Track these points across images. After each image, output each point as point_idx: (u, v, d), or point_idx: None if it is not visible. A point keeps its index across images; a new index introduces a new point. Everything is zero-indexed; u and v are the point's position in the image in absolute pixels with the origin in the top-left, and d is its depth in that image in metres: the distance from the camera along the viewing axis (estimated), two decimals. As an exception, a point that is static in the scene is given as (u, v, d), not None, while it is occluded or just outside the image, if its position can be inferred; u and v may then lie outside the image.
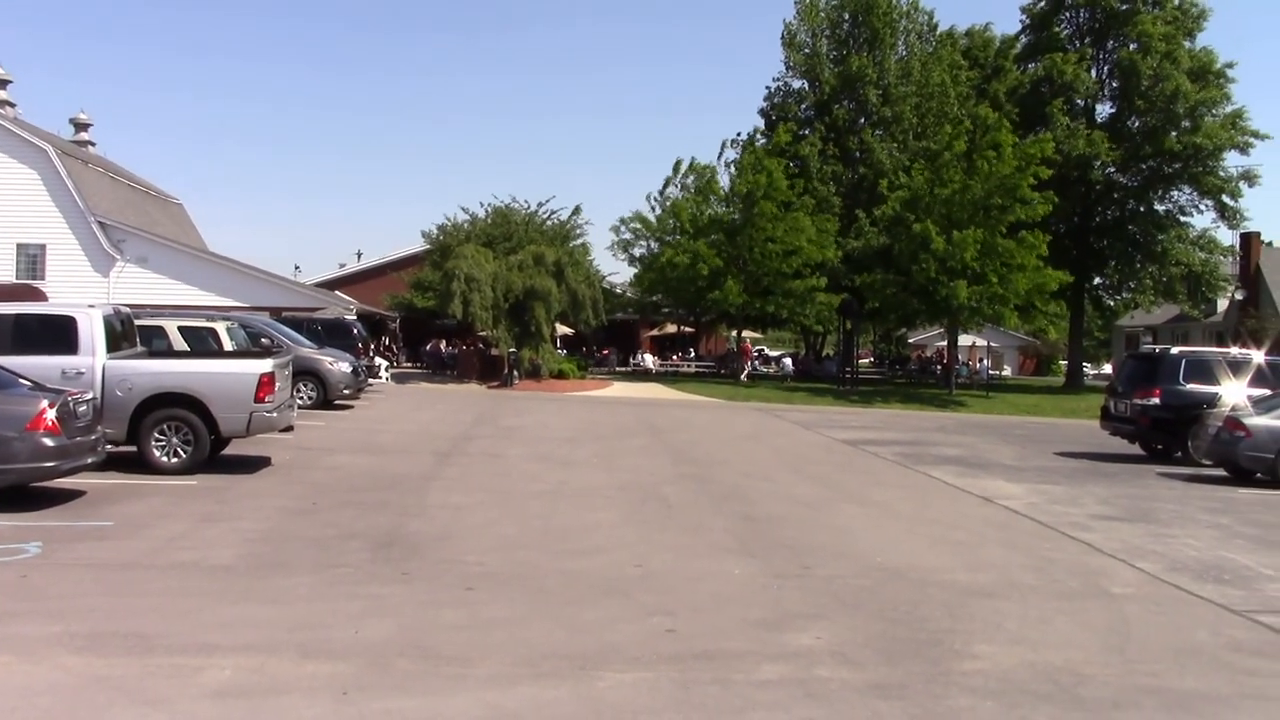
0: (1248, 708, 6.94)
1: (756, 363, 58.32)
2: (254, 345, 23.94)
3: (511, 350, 41.55)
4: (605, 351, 57.13)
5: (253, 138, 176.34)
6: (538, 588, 9.26)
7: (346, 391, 27.20)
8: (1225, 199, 51.84)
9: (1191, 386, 22.87)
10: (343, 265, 68.79)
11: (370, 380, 32.55)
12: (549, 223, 49.92)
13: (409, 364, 53.64)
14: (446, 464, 17.48)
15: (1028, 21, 56.44)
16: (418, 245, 54.77)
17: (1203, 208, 53.15)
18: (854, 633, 8.22)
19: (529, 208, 50.08)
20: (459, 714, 6.21)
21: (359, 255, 70.02)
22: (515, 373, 41.62)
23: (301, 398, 24.50)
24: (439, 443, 20.58)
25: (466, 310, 40.06)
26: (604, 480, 16.40)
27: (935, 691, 6.91)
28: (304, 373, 24.89)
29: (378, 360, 39.65)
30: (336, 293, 53.63)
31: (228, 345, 21.79)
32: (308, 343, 27.71)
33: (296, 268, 75.34)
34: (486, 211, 49.55)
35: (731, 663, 7.30)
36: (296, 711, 6.13)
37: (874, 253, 47.66)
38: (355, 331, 33.01)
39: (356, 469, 16.24)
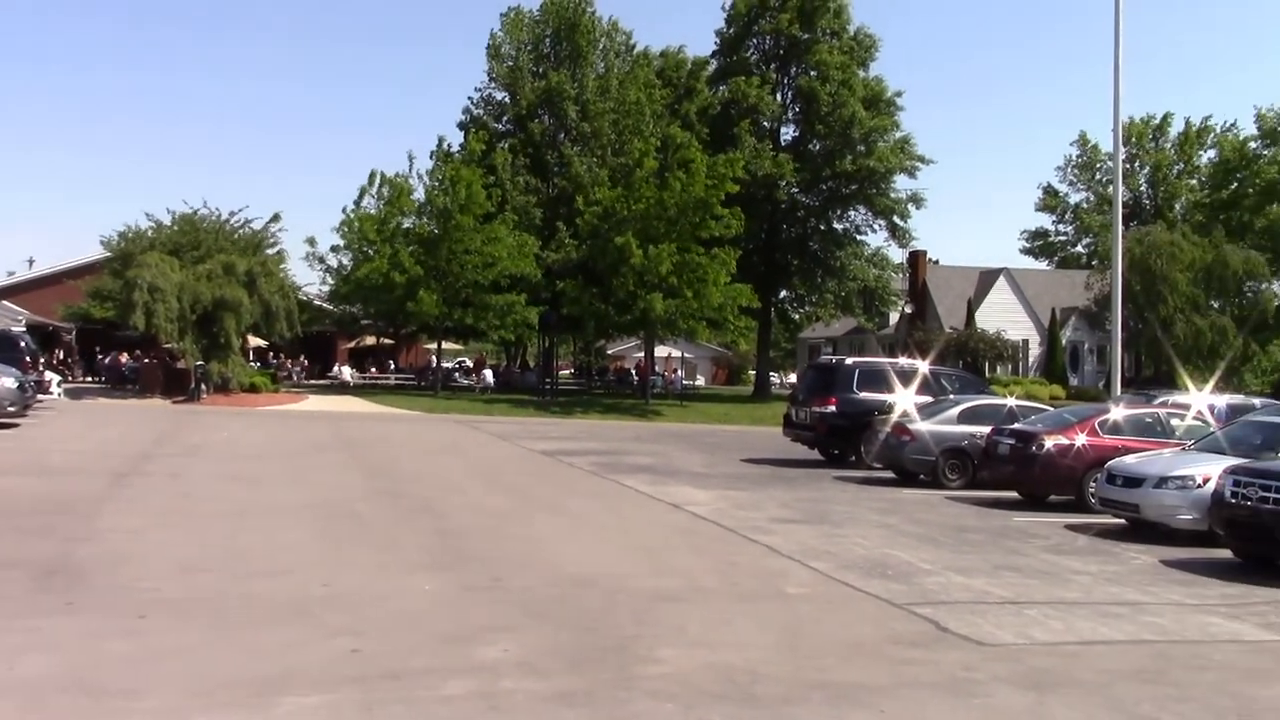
0: (903, 695, 7.44)
1: (457, 375, 58.19)
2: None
3: (199, 363, 39.75)
4: (299, 363, 55.60)
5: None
6: (217, 612, 8.88)
7: (11, 409, 25.24)
8: (896, 219, 55.73)
9: (864, 395, 24.38)
10: (12, 274, 63.83)
11: (40, 396, 30.36)
12: (241, 231, 47.98)
13: (86, 378, 50.32)
14: (123, 485, 16.50)
15: (719, 45, 58.71)
16: (97, 253, 51.44)
17: (876, 227, 57.03)
18: (542, 643, 8.31)
19: (220, 215, 47.99)
20: (123, 750, 5.89)
21: (30, 263, 65.19)
22: (203, 387, 39.84)
23: (-42, 416, 22.70)
24: (115, 462, 19.40)
25: (150, 321, 38.08)
26: (294, 498, 15.92)
27: (619, 697, 7.07)
28: (-39, 389, 23.04)
29: (48, 375, 37.03)
30: (4, 303, 49.86)
31: None
32: (-34, 356, 25.60)
33: (-42, 275, 69.47)
34: (173, 219, 47.11)
35: (417, 680, 7.23)
36: (-64, 759, 5.66)
37: (574, 265, 48.46)
38: (22, 344, 30.74)
39: (20, 492, 15.11)
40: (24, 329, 35.62)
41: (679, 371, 62.85)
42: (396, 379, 55.22)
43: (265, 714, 6.45)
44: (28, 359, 29.69)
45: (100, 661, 7.37)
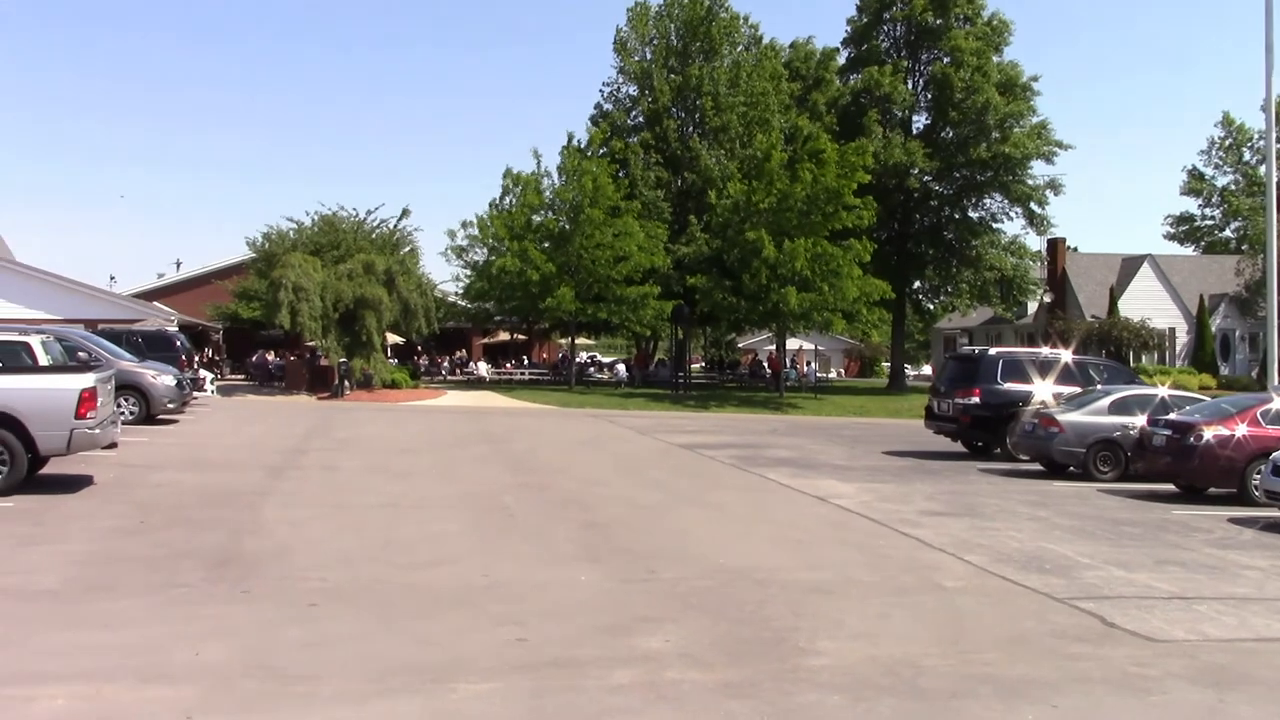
0: (1073, 690, 7.28)
1: (591, 370, 58.78)
2: (71, 359, 22.89)
3: (342, 360, 40.78)
4: (450, 356, 57.05)
5: (61, 145, 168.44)
6: (383, 601, 9.11)
7: (171, 406, 26.24)
8: (1033, 206, 54.36)
9: (1008, 386, 23.90)
10: (162, 275, 66.50)
11: (195, 394, 31.51)
12: (378, 230, 49.16)
13: (235, 376, 52.10)
14: (280, 478, 17.03)
15: (849, 33, 58.05)
16: (242, 254, 53.33)
17: (1013, 215, 55.72)
18: (701, 634, 8.34)
19: (357, 215, 49.24)
20: (310, 733, 6.08)
21: (178, 265, 67.85)
22: (346, 383, 40.87)
23: (123, 413, 23.66)
24: (270, 456, 20.04)
25: (294, 320, 39.20)
26: (444, 491, 16.24)
27: (784, 688, 7.06)
28: (125, 387, 24.05)
29: (202, 373, 38.41)
30: (156, 304, 51.85)
31: (43, 360, 20.72)
32: (128, 356, 26.61)
33: (112, 278, 72.50)
34: (313, 220, 48.51)
35: (583, 669, 7.33)
36: (138, 739, 5.91)
37: (705, 259, 48.48)
38: (178, 343, 31.85)
39: (185, 486, 15.69)
40: (177, 329, 36.89)
41: (812, 364, 62.35)
42: (531, 374, 55.95)
43: (441, 700, 6.62)
44: (184, 358, 30.78)
45: (278, 647, 7.63)
